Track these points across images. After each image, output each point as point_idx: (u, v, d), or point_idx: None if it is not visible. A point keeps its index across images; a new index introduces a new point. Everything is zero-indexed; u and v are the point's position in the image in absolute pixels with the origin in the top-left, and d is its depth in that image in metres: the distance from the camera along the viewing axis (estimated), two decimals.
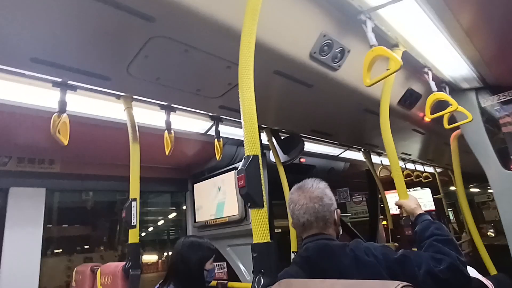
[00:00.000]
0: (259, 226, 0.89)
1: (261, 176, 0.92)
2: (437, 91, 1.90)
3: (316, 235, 1.17)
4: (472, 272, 1.69)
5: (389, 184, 3.43)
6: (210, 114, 2.15)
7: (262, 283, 0.84)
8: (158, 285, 1.76)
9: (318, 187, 1.20)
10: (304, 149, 2.65)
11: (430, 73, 1.92)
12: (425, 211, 1.34)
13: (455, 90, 2.22)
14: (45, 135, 1.52)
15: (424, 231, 1.17)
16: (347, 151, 3.61)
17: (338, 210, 1.23)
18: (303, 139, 2.64)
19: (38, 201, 2.19)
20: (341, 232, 1.26)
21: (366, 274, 0.99)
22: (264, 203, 0.91)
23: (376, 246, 1.08)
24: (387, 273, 0.98)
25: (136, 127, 1.81)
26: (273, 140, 2.57)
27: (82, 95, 1.66)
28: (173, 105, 1.92)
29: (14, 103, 1.62)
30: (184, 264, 1.71)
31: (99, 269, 1.96)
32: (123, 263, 1.74)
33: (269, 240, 0.88)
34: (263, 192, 0.91)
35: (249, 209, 0.95)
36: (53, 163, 2.34)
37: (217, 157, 2.18)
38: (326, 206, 1.17)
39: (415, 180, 4.17)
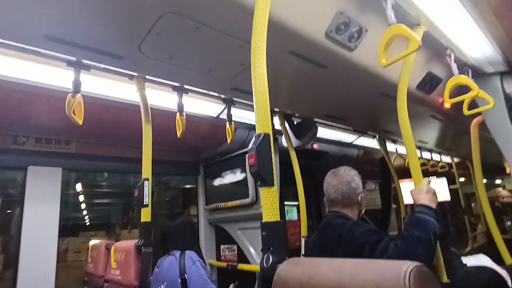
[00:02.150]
0: (269, 205, 0.87)
1: (272, 154, 0.90)
2: (459, 74, 1.81)
3: (333, 212, 1.49)
4: (486, 261, 1.66)
5: (403, 173, 3.36)
6: (223, 96, 2.13)
7: (270, 261, 0.84)
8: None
9: (348, 174, 1.52)
10: (317, 135, 2.61)
11: (452, 55, 1.82)
12: (438, 202, 1.31)
13: (479, 74, 2.10)
14: (62, 115, 1.53)
15: (405, 224, 1.28)
16: (361, 138, 3.53)
17: (362, 194, 1.53)
18: (316, 124, 2.60)
19: (55, 179, 2.26)
20: (363, 211, 1.55)
21: (346, 250, 1.27)
22: (275, 181, 0.89)
23: (357, 228, 1.30)
24: (358, 253, 1.19)
25: (149, 108, 1.82)
26: (286, 124, 2.54)
27: (96, 75, 1.66)
28: (185, 86, 1.90)
29: (32, 82, 1.64)
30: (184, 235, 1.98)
31: (113, 246, 2.02)
32: (136, 241, 1.79)
33: (279, 219, 0.87)
34: (273, 170, 0.89)
35: (259, 188, 0.93)
36: (69, 143, 2.39)
37: (228, 141, 2.18)
38: (352, 189, 1.49)
39: (430, 169, 4.06)
